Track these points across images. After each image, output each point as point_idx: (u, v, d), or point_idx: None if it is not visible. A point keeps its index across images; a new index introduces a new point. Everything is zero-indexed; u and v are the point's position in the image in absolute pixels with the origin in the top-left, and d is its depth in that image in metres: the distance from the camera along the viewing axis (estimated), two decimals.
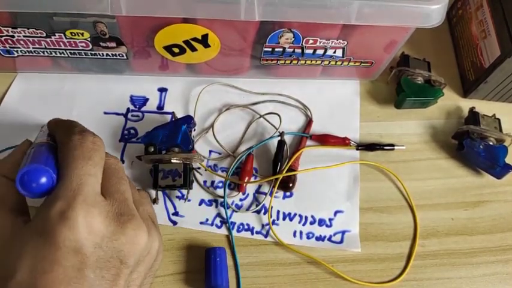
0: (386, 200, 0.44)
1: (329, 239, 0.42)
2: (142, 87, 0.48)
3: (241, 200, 0.43)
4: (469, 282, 0.40)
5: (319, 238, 0.42)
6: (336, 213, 0.43)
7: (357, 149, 0.46)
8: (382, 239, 0.42)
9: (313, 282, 0.39)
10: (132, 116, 0.47)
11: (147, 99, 0.48)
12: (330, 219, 0.43)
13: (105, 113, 0.47)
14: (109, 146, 0.44)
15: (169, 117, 0.47)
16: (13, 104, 0.46)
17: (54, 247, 0.24)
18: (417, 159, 0.47)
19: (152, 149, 0.40)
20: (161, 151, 0.40)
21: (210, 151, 0.45)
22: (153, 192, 0.41)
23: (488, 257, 0.42)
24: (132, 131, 0.46)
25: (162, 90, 0.49)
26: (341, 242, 0.41)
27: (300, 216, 0.42)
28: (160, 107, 0.48)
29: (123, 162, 0.44)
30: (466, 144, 0.45)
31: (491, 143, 0.45)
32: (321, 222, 0.42)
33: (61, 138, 0.30)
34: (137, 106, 0.47)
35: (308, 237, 0.41)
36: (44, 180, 0.27)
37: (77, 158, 0.28)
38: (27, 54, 0.44)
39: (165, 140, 0.41)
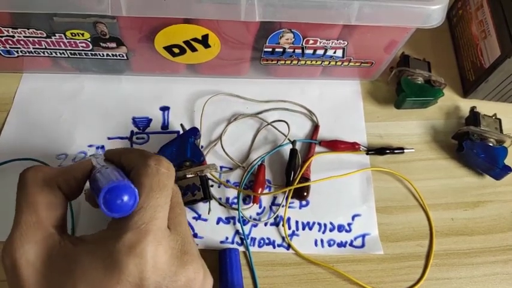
0: (385, 200, 0.44)
1: (350, 244, 0.41)
2: (144, 108, 0.47)
3: (258, 214, 0.42)
4: (469, 282, 0.40)
5: (341, 244, 0.41)
6: (353, 217, 0.43)
7: (367, 154, 0.46)
8: (382, 240, 0.42)
9: (314, 283, 0.39)
10: (137, 138, 0.45)
11: (150, 120, 0.47)
12: (349, 224, 0.42)
13: (109, 138, 0.45)
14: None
15: (175, 136, 0.44)
16: (22, 105, 0.46)
17: (115, 280, 0.23)
18: (417, 160, 0.47)
19: None
20: None
21: (221, 167, 0.44)
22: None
23: (488, 257, 0.42)
24: None
25: (165, 109, 0.47)
26: (363, 246, 0.41)
27: (319, 224, 0.42)
28: (164, 127, 0.46)
29: None
30: (466, 146, 0.45)
31: (491, 144, 0.45)
32: (340, 228, 0.42)
33: (135, 163, 0.28)
34: (141, 128, 0.46)
35: (330, 245, 0.41)
36: (127, 198, 0.24)
37: (154, 188, 0.26)
38: (28, 54, 0.44)
39: (175, 157, 0.40)
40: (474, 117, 0.47)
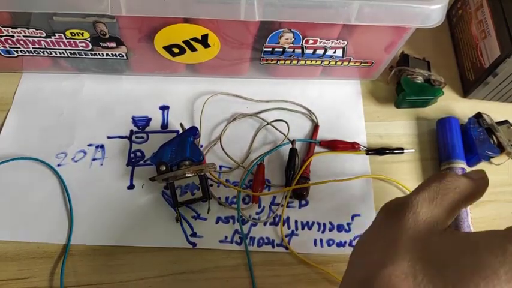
0: (385, 200, 0.44)
1: (350, 244, 0.41)
2: (144, 107, 0.47)
3: (257, 213, 0.42)
4: None
5: (340, 244, 0.41)
6: (353, 217, 0.43)
7: (367, 154, 0.46)
8: None
9: (313, 282, 0.39)
10: (137, 137, 0.45)
11: (149, 119, 0.47)
12: (348, 224, 0.42)
13: (108, 137, 0.45)
14: (117, 171, 0.43)
15: (174, 135, 0.44)
16: (21, 105, 0.46)
17: None
18: (417, 160, 0.47)
19: (164, 168, 0.39)
20: (172, 168, 0.40)
21: (221, 166, 0.44)
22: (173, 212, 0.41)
23: None
24: (139, 154, 0.44)
25: (164, 108, 0.47)
26: None
27: (318, 224, 0.42)
28: (164, 126, 0.46)
29: (133, 187, 0.43)
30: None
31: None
32: (340, 228, 0.42)
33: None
34: (140, 127, 0.46)
35: (329, 245, 0.41)
36: None
37: None
38: (27, 54, 0.44)
39: (175, 156, 0.40)
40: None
